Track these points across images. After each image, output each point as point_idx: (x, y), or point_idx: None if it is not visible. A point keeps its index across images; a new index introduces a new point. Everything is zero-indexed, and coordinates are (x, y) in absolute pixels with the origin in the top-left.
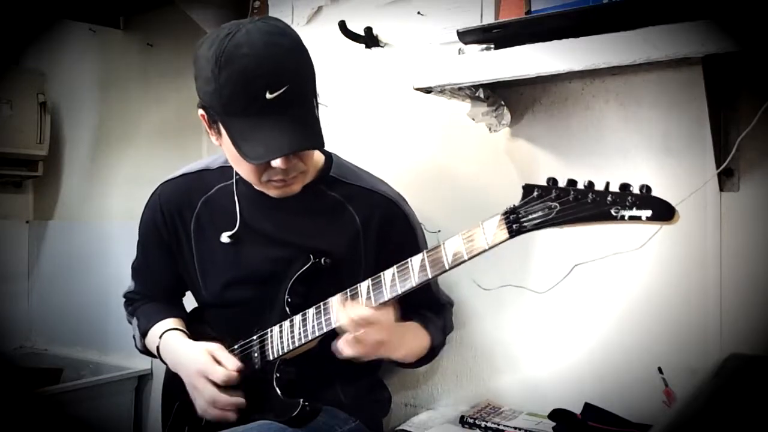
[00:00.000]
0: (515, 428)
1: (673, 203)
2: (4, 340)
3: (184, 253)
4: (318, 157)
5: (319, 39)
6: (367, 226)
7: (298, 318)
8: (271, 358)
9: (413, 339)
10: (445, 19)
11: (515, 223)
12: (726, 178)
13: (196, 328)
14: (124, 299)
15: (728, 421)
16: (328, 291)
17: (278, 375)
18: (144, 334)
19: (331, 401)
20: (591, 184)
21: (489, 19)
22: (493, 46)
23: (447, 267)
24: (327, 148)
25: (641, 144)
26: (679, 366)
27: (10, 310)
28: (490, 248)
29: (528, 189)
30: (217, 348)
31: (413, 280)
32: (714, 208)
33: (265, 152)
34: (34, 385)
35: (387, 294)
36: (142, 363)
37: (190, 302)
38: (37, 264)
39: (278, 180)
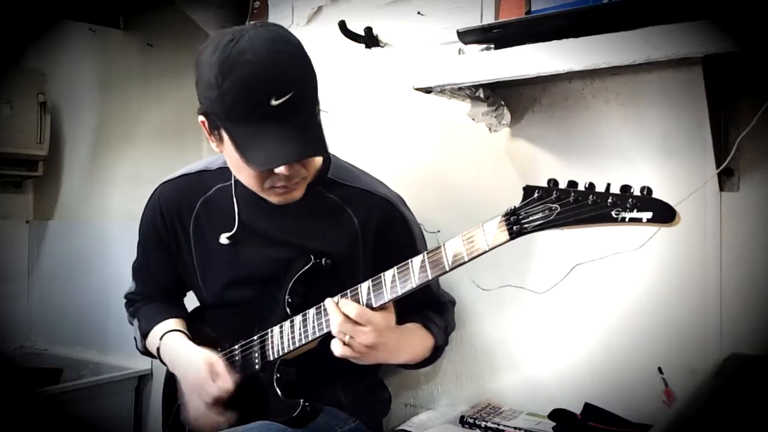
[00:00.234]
0: (515, 428)
1: (673, 203)
2: (4, 340)
3: (184, 253)
4: (317, 158)
5: (319, 39)
6: (365, 228)
7: (298, 318)
8: (272, 358)
9: (415, 341)
10: (445, 19)
11: (516, 224)
12: (726, 178)
13: (197, 328)
14: (125, 300)
15: (728, 421)
16: (329, 292)
17: (278, 375)
18: (145, 336)
19: (331, 401)
20: (592, 185)
21: (489, 19)
22: (493, 46)
23: (447, 268)
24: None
25: (641, 144)
26: (679, 366)
27: (10, 310)
28: (491, 249)
29: (529, 190)
30: (216, 361)
31: (413, 281)
32: (714, 208)
33: (270, 159)
34: (34, 385)
35: (387, 295)
36: (142, 363)
37: (191, 301)
38: (37, 264)
39: (281, 186)
